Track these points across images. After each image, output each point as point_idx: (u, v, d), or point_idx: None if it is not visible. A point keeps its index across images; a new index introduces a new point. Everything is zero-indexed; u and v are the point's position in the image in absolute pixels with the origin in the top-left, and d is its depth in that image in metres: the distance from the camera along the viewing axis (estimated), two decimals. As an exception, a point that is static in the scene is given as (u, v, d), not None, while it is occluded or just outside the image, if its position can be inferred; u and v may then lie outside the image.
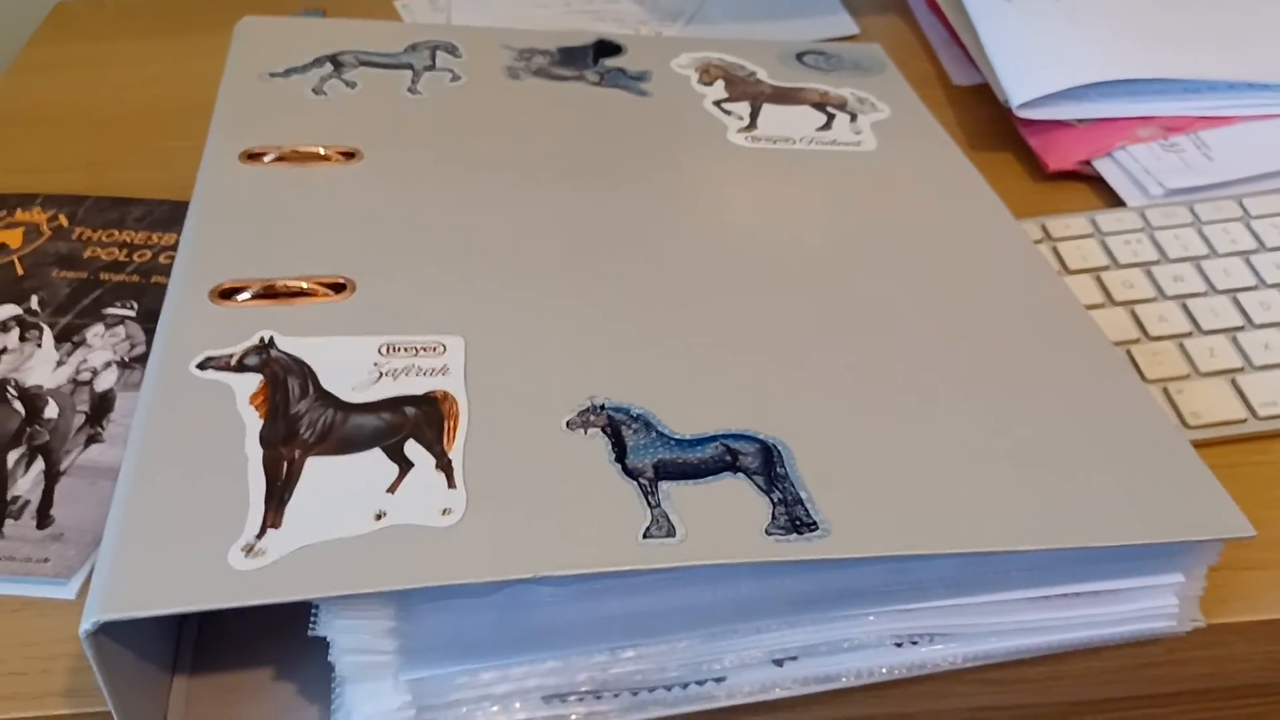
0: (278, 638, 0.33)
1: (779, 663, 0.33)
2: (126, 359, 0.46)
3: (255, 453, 0.31)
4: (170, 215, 0.53)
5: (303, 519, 0.30)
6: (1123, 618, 0.34)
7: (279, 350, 0.35)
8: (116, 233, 0.52)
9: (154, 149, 0.59)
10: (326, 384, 0.34)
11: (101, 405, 0.44)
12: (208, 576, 0.28)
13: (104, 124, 0.61)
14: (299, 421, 0.32)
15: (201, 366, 0.34)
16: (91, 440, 0.42)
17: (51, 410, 0.44)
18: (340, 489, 0.30)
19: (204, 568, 0.28)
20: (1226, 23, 0.58)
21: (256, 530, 0.29)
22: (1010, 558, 0.32)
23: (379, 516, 0.30)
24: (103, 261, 0.51)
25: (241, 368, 0.34)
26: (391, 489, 0.31)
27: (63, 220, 0.53)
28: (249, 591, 0.28)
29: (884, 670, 0.33)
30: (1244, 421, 0.41)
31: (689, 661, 0.32)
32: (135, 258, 0.51)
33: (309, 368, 0.34)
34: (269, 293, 0.37)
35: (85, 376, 0.45)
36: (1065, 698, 0.37)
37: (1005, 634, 0.34)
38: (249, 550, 0.29)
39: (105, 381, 0.45)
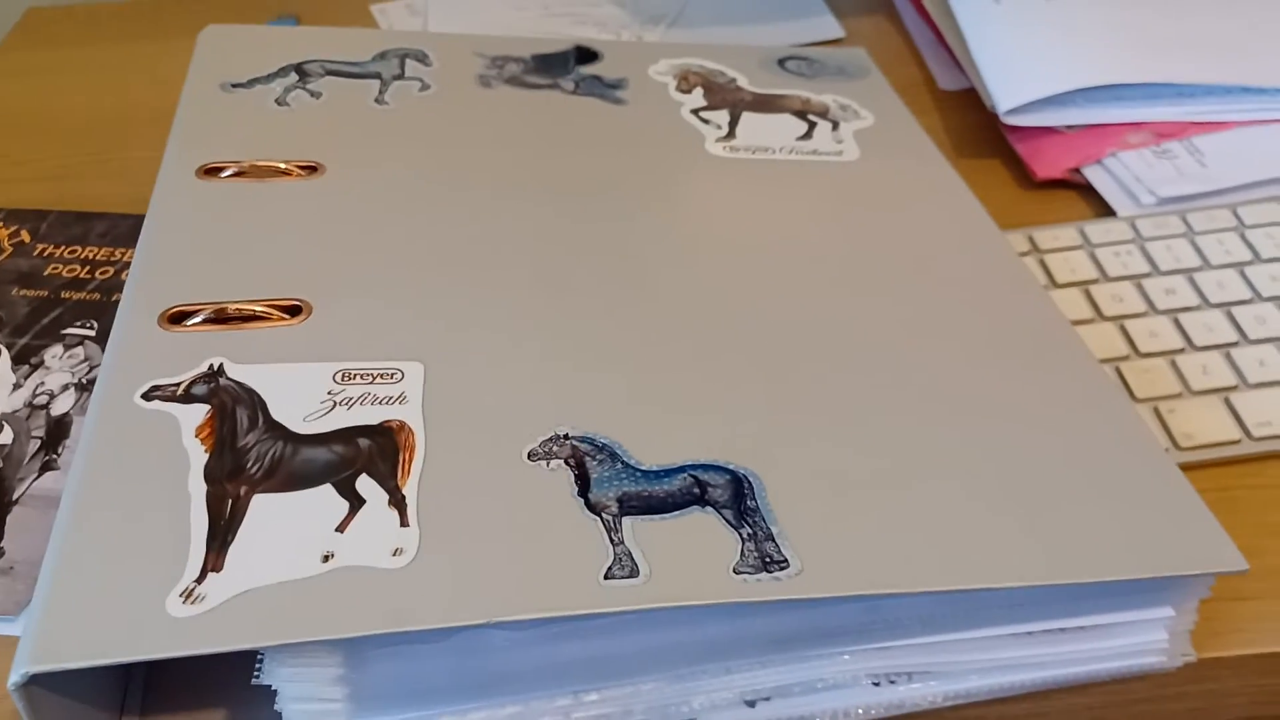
0: (231, 680, 0.32)
1: (751, 704, 0.31)
2: (84, 381, 0.44)
3: (199, 489, 0.30)
4: (134, 230, 0.52)
5: (246, 561, 0.28)
6: (1110, 653, 0.33)
7: (228, 378, 0.33)
8: (79, 249, 0.51)
9: (122, 159, 0.58)
10: (277, 414, 0.32)
11: (57, 430, 0.42)
12: (144, 624, 0.27)
13: (72, 133, 0.60)
14: (246, 455, 0.31)
15: (147, 396, 0.32)
16: (46, 467, 0.41)
17: (5, 435, 0.42)
18: (287, 529, 0.29)
19: (141, 615, 0.27)
20: (1220, 26, 0.56)
21: (196, 574, 0.28)
22: (992, 594, 0.31)
23: (327, 558, 0.28)
24: (64, 279, 0.49)
25: (189, 398, 0.32)
26: (341, 528, 0.29)
27: (24, 236, 0.52)
28: (187, 641, 0.26)
29: (860, 711, 0.32)
30: (1238, 443, 0.40)
31: (656, 704, 0.30)
32: (97, 275, 0.49)
33: (259, 397, 0.33)
34: (221, 316, 0.35)
35: (42, 400, 0.44)
36: (1052, 733, 0.36)
37: (987, 671, 0.32)
38: (188, 596, 0.27)
39: (62, 405, 0.43)
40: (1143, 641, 0.33)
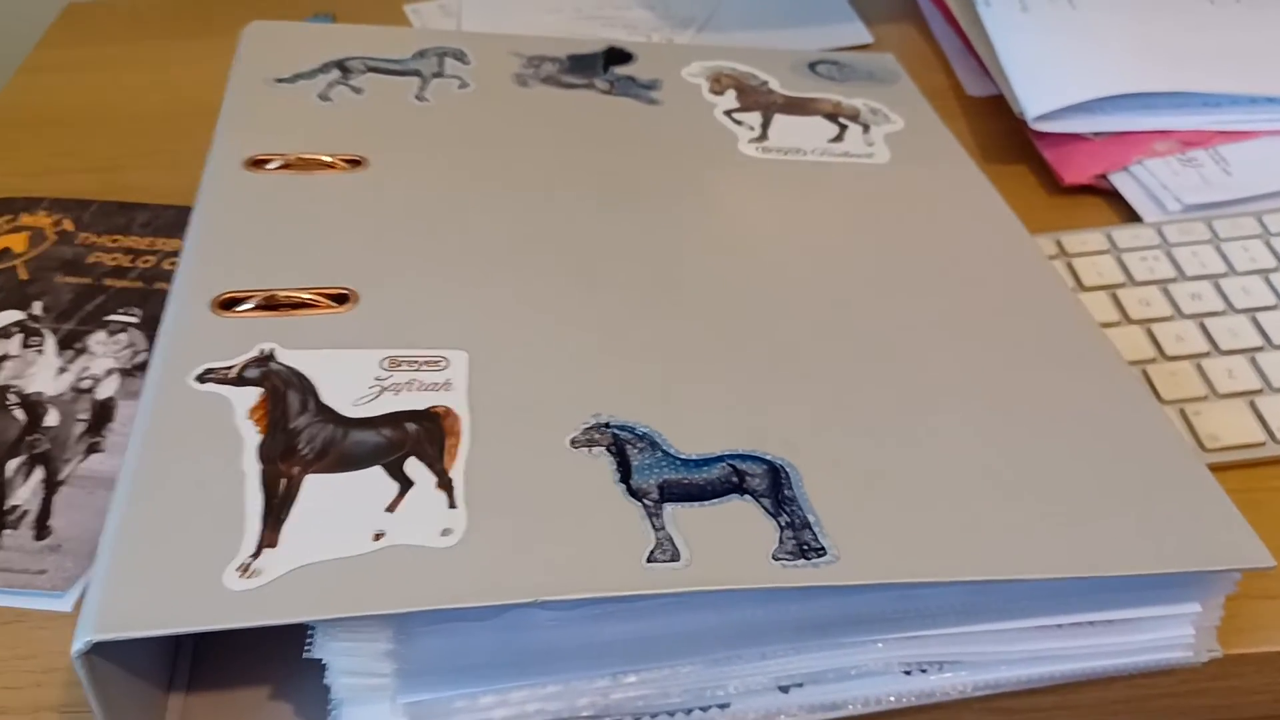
0: (276, 655, 0.33)
1: (785, 689, 0.32)
2: (129, 366, 0.45)
3: (253, 468, 0.31)
4: (175, 220, 0.53)
5: (300, 538, 0.29)
6: (1137, 648, 0.33)
7: (279, 363, 0.34)
8: (121, 238, 0.52)
9: (163, 152, 0.59)
10: (327, 398, 0.33)
11: (102, 413, 0.43)
12: (202, 597, 0.28)
13: (113, 126, 0.61)
14: (298, 437, 0.32)
15: (201, 379, 0.33)
16: (92, 449, 0.42)
17: (52, 418, 0.43)
18: (339, 507, 0.30)
19: (198, 587, 0.28)
20: (1246, 37, 0.57)
21: (253, 549, 0.29)
22: (1022, 585, 0.32)
23: (378, 536, 0.29)
24: (107, 267, 0.50)
25: (241, 380, 0.33)
26: (391, 508, 0.30)
27: (68, 225, 0.53)
28: (243, 613, 0.27)
29: (892, 698, 0.32)
30: (1262, 445, 0.40)
31: (692, 687, 0.31)
32: (139, 263, 0.51)
33: (309, 381, 0.33)
34: (270, 303, 0.36)
35: (87, 384, 0.45)
36: (1076, 726, 0.36)
37: (1016, 663, 0.33)
38: (244, 570, 0.28)
39: (107, 389, 0.44)
40: (1169, 636, 0.33)
